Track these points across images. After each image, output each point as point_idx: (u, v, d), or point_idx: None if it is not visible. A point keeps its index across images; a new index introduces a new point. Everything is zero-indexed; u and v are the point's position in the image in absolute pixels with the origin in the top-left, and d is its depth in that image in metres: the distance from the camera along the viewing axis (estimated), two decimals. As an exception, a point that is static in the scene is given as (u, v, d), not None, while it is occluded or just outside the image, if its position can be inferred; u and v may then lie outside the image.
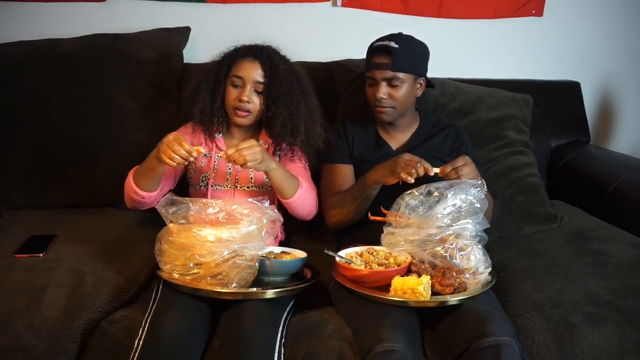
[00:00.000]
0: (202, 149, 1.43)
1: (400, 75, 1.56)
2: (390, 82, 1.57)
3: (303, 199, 1.54)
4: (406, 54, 1.56)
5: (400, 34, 1.62)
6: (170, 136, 1.38)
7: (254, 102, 1.59)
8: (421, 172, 1.38)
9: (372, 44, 1.61)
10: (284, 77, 1.61)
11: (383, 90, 1.57)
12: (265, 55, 1.61)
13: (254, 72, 1.58)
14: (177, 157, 1.35)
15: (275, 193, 1.54)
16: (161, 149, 1.37)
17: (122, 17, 2.16)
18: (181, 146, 1.35)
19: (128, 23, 2.12)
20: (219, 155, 1.39)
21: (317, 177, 1.71)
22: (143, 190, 1.48)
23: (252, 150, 1.38)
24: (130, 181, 1.50)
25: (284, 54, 1.68)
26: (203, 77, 1.64)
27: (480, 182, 1.40)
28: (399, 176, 1.39)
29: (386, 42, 1.56)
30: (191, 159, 1.37)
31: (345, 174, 1.65)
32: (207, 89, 1.62)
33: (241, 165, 1.38)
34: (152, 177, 1.47)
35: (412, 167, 1.38)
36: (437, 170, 1.41)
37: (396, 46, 1.55)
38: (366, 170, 1.53)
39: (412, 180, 1.39)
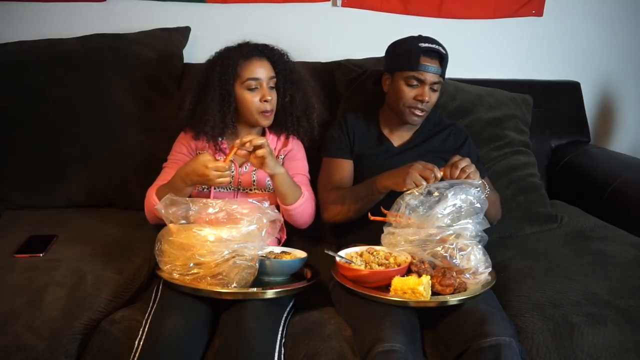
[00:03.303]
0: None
1: (442, 80, 1.60)
2: (433, 86, 1.59)
3: (303, 209, 1.55)
4: (447, 60, 1.60)
5: (436, 40, 1.60)
6: (216, 164, 1.40)
7: (273, 98, 1.61)
8: (435, 180, 1.37)
9: (416, 44, 1.57)
10: (289, 63, 1.66)
11: (429, 93, 1.58)
12: (267, 49, 1.64)
13: (266, 70, 1.60)
14: (223, 180, 1.41)
15: (277, 198, 1.54)
16: (211, 176, 1.39)
17: (122, 17, 2.16)
18: (223, 169, 1.40)
19: (128, 23, 2.12)
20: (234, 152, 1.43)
21: (316, 173, 1.72)
22: None
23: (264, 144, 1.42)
24: (155, 203, 1.49)
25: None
26: (204, 90, 1.61)
27: (480, 182, 1.40)
28: (412, 185, 1.37)
29: (436, 46, 1.57)
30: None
31: (344, 169, 1.65)
32: (215, 104, 1.58)
33: (254, 161, 1.41)
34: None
35: (427, 177, 1.37)
36: (440, 174, 1.40)
37: (444, 52, 1.58)
38: (367, 166, 1.53)
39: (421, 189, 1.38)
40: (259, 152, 1.41)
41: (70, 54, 1.93)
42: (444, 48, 1.59)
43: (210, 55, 1.67)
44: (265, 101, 1.58)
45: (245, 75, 1.58)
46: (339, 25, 2.24)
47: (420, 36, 1.61)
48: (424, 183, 1.37)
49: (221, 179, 1.40)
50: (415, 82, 1.58)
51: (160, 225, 1.37)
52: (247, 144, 1.41)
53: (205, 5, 2.19)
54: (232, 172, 1.62)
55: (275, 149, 1.68)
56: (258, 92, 1.59)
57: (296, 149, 1.71)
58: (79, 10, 2.16)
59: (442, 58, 1.58)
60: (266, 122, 1.62)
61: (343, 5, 2.22)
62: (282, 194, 1.51)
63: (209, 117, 1.59)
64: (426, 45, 1.56)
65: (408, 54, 1.58)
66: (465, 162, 1.40)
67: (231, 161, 1.44)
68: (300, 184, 1.58)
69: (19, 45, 1.97)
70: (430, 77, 1.57)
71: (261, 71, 1.59)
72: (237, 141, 1.42)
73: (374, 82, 1.73)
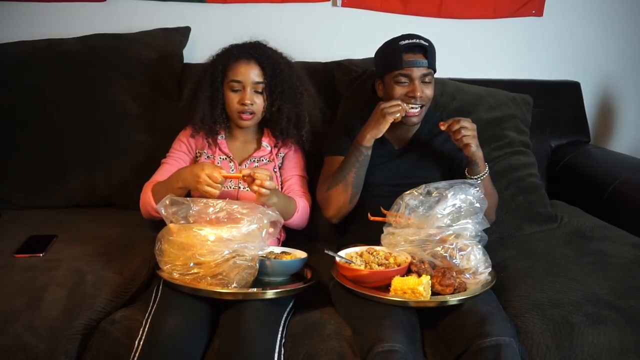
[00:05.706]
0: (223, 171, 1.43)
1: (432, 72, 1.59)
2: (424, 80, 1.58)
3: (298, 222, 1.60)
4: (433, 50, 1.59)
5: (416, 34, 1.61)
6: (212, 172, 1.38)
7: (257, 103, 1.60)
8: (406, 107, 1.53)
9: (396, 44, 1.57)
10: (284, 70, 1.64)
11: (421, 87, 1.56)
12: (260, 53, 1.62)
13: (251, 74, 1.59)
14: (211, 191, 1.37)
15: None
16: (202, 180, 1.37)
17: (122, 17, 2.16)
18: (216, 180, 1.37)
19: (128, 23, 2.12)
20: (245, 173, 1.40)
21: (316, 171, 1.73)
22: None
23: (269, 178, 1.39)
24: (150, 201, 1.51)
25: (272, 46, 1.68)
26: (199, 84, 1.64)
27: (479, 182, 1.40)
28: (393, 116, 1.50)
29: (416, 41, 1.57)
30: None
31: None
32: (205, 97, 1.63)
33: (253, 188, 1.39)
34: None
35: (396, 104, 1.51)
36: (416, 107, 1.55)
37: (426, 43, 1.57)
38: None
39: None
40: (262, 192, 1.38)
41: (70, 54, 1.93)
42: (426, 40, 1.58)
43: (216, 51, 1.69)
44: (243, 104, 1.58)
45: (230, 76, 1.60)
46: (339, 25, 2.24)
47: (401, 35, 1.61)
48: (404, 106, 1.52)
49: (209, 188, 1.37)
50: (404, 80, 1.57)
51: (156, 223, 1.37)
52: (258, 186, 1.37)
53: (205, 5, 2.19)
54: (232, 170, 1.63)
55: (274, 147, 1.69)
56: (240, 94, 1.59)
57: (295, 149, 1.71)
58: (79, 10, 2.16)
59: (425, 50, 1.56)
60: (243, 123, 1.62)
61: (343, 5, 2.22)
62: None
63: (199, 109, 1.62)
64: (406, 42, 1.57)
65: (391, 55, 1.58)
66: (466, 124, 1.49)
67: (208, 157, 1.41)
68: (295, 187, 1.62)
69: (19, 45, 1.97)
70: (416, 71, 1.56)
71: (245, 74, 1.59)
72: (248, 172, 1.38)
73: (371, 90, 1.73)
